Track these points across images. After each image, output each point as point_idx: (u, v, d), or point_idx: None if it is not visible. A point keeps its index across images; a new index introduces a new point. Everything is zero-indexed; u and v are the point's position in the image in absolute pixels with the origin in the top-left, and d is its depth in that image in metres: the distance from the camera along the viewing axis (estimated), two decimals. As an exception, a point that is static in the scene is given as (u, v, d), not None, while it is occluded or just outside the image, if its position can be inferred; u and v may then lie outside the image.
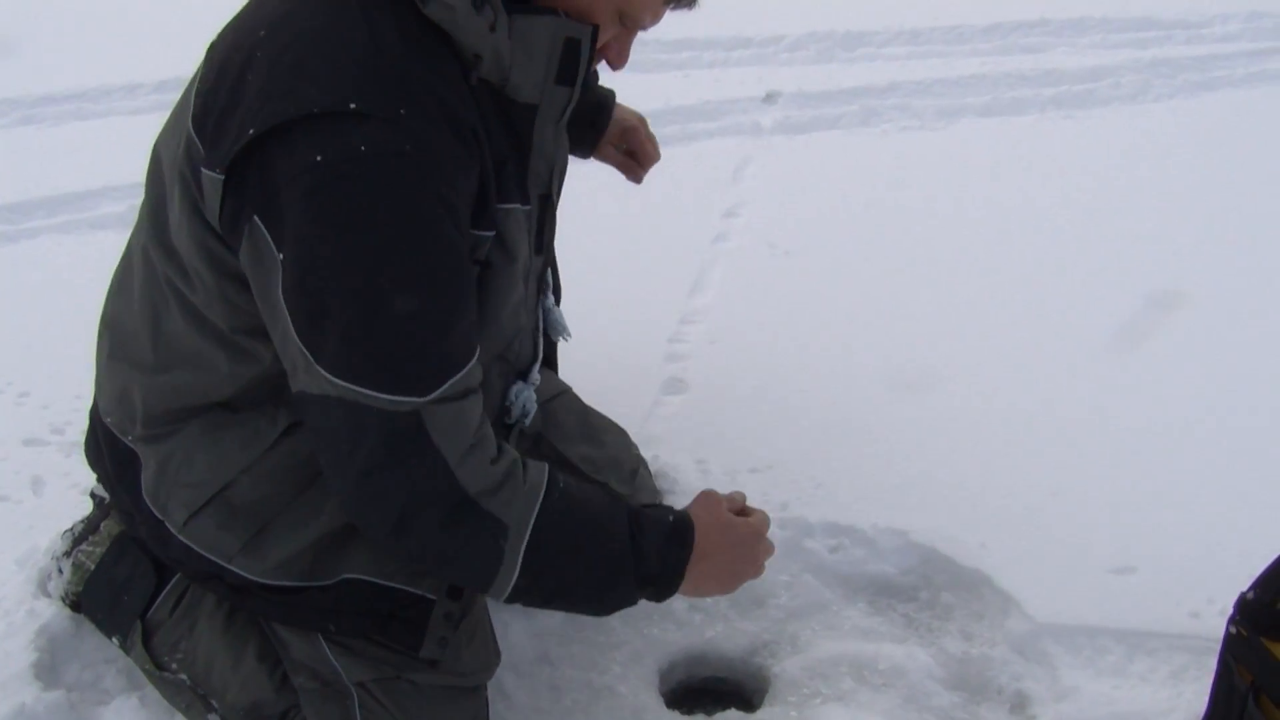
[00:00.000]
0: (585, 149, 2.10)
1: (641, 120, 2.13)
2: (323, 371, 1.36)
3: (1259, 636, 1.45)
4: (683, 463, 2.32)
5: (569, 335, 1.92)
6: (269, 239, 1.36)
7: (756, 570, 1.64)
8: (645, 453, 2.18)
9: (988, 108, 4.31)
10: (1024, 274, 3.14)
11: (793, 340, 2.81)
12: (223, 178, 1.37)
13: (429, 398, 1.36)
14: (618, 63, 1.59)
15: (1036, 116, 4.26)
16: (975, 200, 3.59)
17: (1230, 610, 1.48)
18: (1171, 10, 5.13)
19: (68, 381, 2.36)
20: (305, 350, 1.37)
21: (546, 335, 1.84)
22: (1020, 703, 1.92)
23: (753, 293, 3.04)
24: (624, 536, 1.49)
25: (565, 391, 2.09)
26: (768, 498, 2.25)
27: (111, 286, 1.72)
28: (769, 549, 1.65)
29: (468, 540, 1.42)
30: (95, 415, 1.76)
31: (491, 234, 1.47)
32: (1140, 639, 1.99)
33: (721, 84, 4.44)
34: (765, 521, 1.65)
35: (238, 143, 1.35)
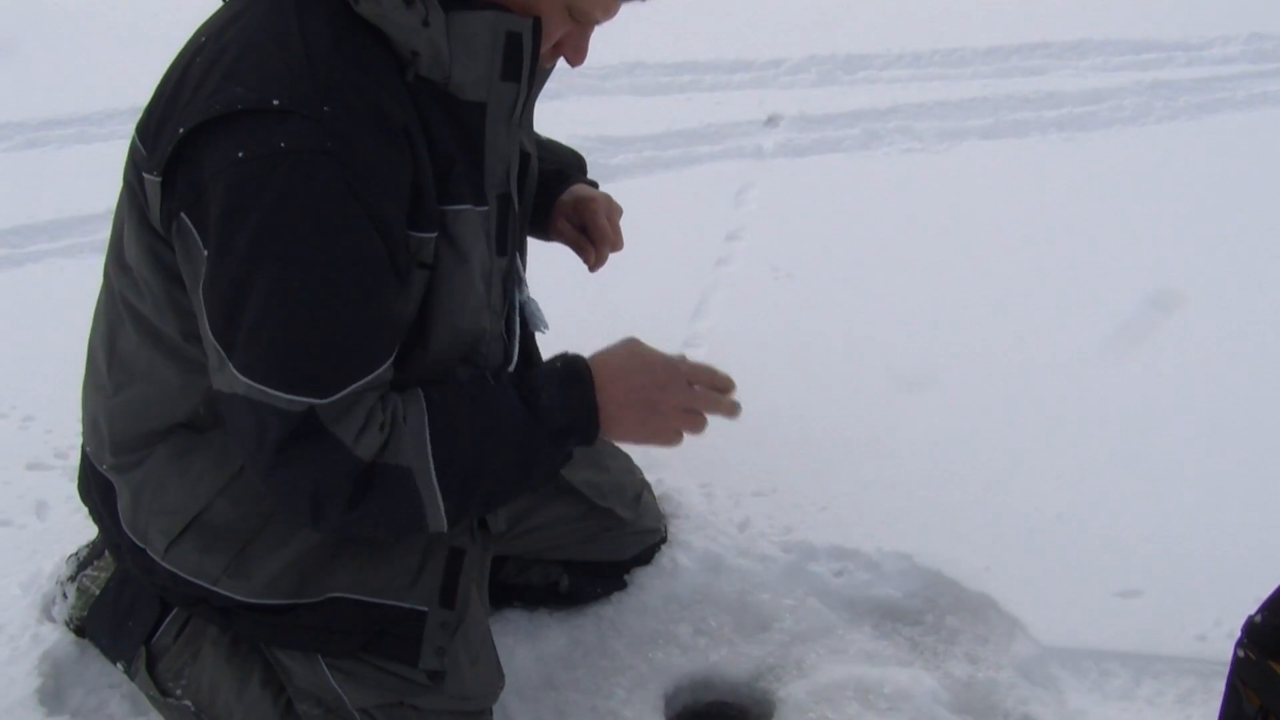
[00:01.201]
0: (539, 220, 1.90)
1: (606, 198, 1.93)
2: (233, 370, 1.36)
3: (1267, 660, 1.44)
4: (687, 486, 2.31)
5: (547, 326, 1.88)
6: (196, 236, 1.37)
7: (676, 401, 1.54)
8: (649, 477, 2.18)
9: (989, 130, 4.32)
10: (1026, 297, 3.15)
11: (795, 363, 2.81)
12: (160, 179, 1.39)
13: (329, 400, 1.36)
14: (575, 59, 1.57)
15: (1038, 139, 4.27)
16: (978, 223, 3.59)
17: (1238, 633, 1.48)
18: (1172, 32, 5.16)
19: (72, 406, 2.34)
20: (219, 348, 1.37)
21: (527, 332, 1.80)
22: (1026, 727, 1.91)
23: (755, 316, 3.05)
24: (518, 409, 1.46)
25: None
26: (772, 521, 2.25)
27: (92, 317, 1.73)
28: (688, 393, 1.54)
29: (382, 499, 1.42)
30: (82, 448, 1.77)
31: (432, 235, 1.46)
32: (1146, 662, 1.98)
33: (723, 107, 4.46)
34: (690, 364, 1.56)
35: (170, 143, 1.37)
